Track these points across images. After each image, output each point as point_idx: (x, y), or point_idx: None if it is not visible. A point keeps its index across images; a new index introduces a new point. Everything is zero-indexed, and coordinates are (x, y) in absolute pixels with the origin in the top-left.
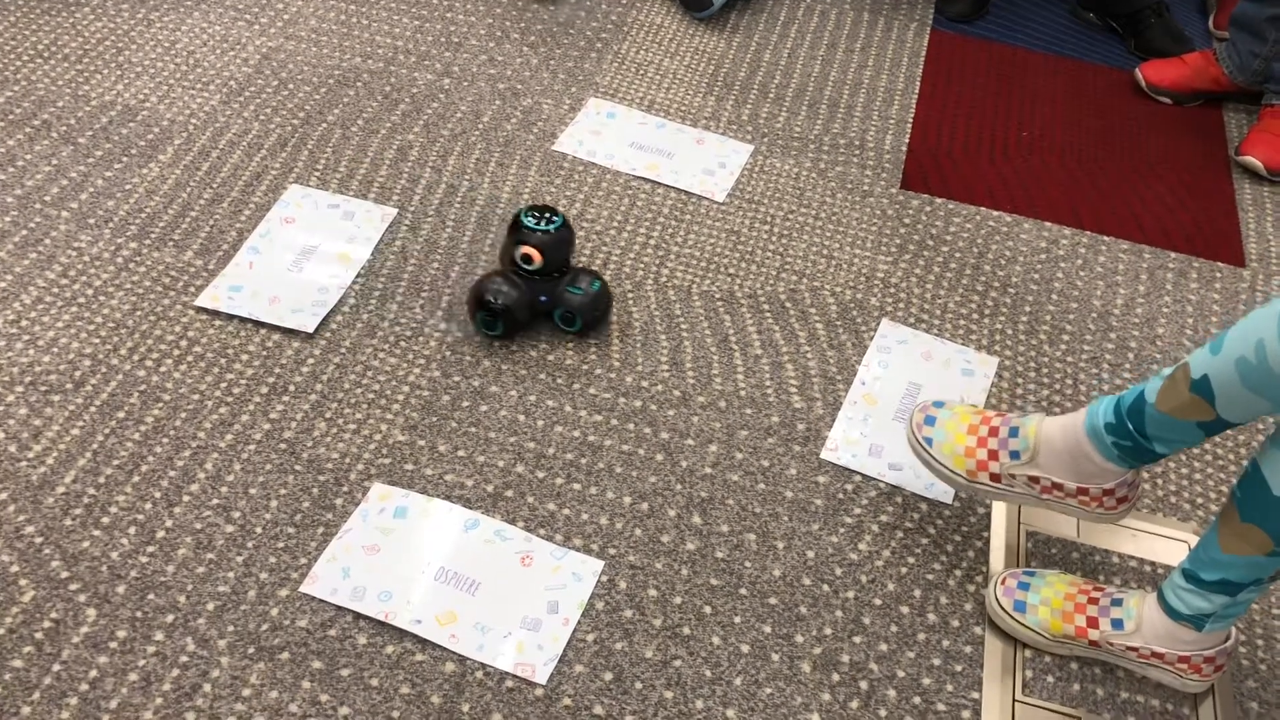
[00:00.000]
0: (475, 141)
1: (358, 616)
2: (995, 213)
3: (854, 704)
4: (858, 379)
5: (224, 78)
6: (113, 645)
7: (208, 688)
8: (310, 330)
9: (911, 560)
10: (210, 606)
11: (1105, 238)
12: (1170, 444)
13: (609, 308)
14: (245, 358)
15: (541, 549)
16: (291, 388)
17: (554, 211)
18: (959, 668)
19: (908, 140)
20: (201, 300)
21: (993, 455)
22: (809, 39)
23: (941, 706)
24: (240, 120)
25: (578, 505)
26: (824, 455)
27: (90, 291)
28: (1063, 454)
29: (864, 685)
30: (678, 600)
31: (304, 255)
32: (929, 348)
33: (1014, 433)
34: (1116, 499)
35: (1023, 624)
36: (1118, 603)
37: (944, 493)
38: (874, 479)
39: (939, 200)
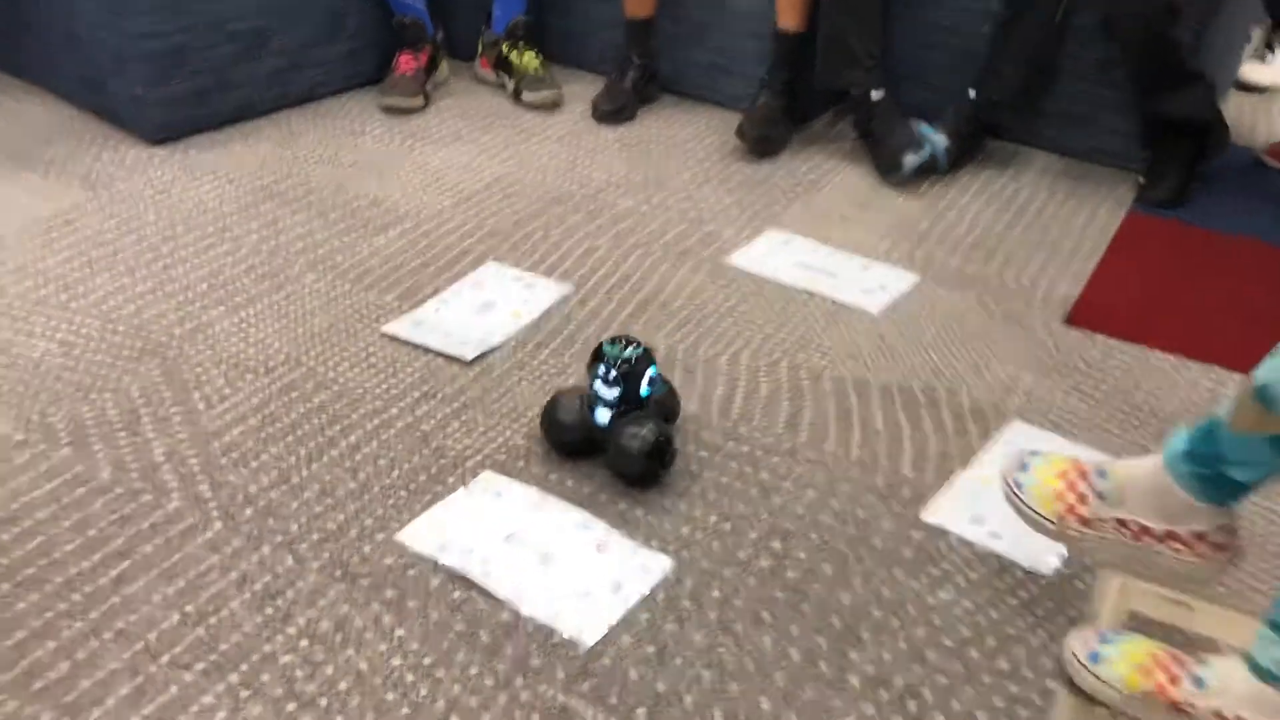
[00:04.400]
0: (655, 250)
1: (437, 565)
2: (1159, 353)
3: (897, 719)
4: (976, 460)
5: (458, 188)
6: (226, 550)
7: (290, 593)
8: (468, 358)
9: (994, 614)
10: (315, 536)
11: None
12: (1249, 469)
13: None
14: (409, 370)
15: (619, 541)
16: (439, 396)
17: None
18: (1023, 713)
19: (1080, 291)
20: (387, 328)
21: (1081, 499)
22: (998, 205)
23: None
24: (463, 216)
25: (663, 515)
26: (923, 516)
27: (301, 312)
28: (1148, 491)
29: (912, 706)
30: (738, 603)
31: (483, 309)
32: (1059, 447)
33: (1102, 474)
34: (1211, 545)
35: (1096, 675)
36: (1204, 662)
37: (1043, 563)
38: (970, 542)
39: (1100, 337)
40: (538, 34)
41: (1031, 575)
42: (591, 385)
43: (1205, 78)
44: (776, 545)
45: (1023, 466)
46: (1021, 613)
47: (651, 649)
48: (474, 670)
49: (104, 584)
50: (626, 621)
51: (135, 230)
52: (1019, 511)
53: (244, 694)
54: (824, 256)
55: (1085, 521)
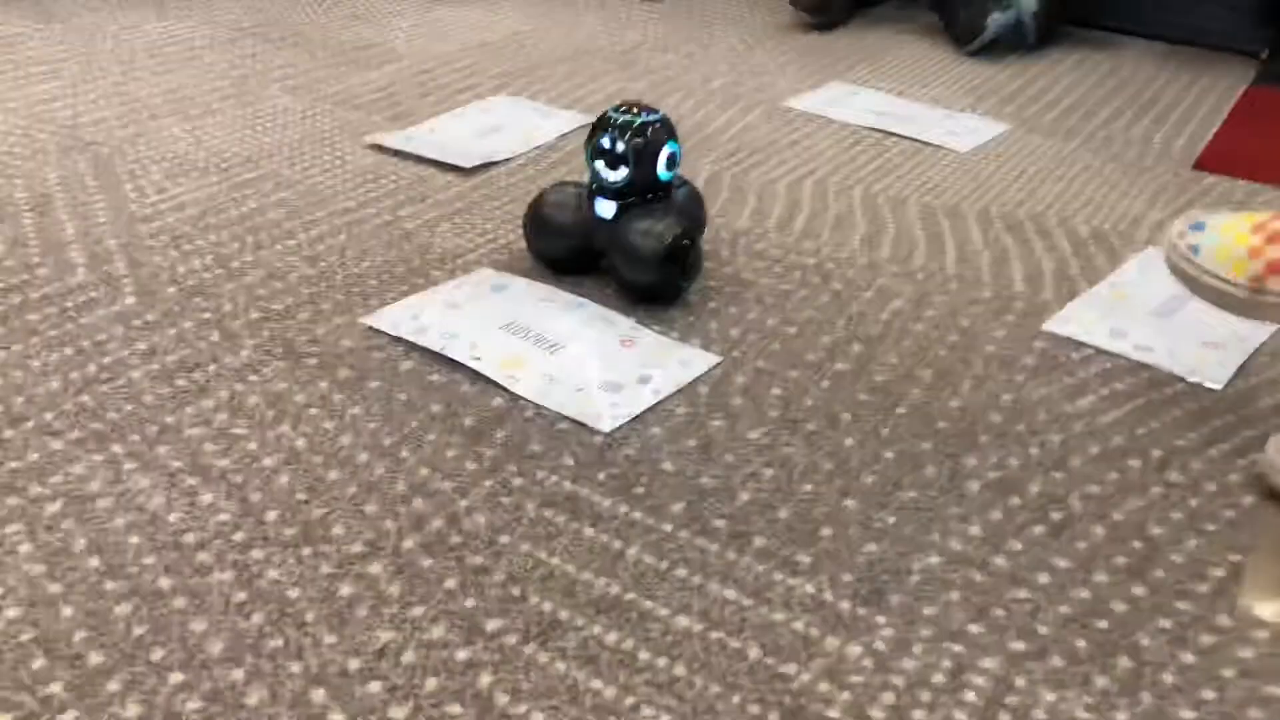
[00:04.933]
0: (697, 94)
1: (412, 347)
2: None
3: (1038, 529)
4: (1107, 280)
5: (468, 40)
6: (135, 323)
7: (212, 368)
8: (467, 166)
9: (1154, 424)
10: (254, 315)
11: None
12: None
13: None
14: (394, 176)
15: (649, 336)
16: (428, 200)
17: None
18: (1211, 527)
19: (1204, 145)
20: (372, 138)
21: None
22: (1095, 78)
23: (1177, 558)
24: (470, 61)
25: (707, 318)
26: (1046, 326)
27: (270, 125)
28: None
29: (1056, 515)
30: (808, 402)
31: (489, 131)
32: None
33: None
34: None
35: None
36: None
37: (1213, 376)
38: (1113, 354)
39: (1241, 181)
40: None
41: (1197, 389)
42: (591, 167)
43: None
44: (857, 350)
45: (1198, 226)
46: (1190, 426)
47: (692, 442)
48: (450, 453)
49: None
50: (659, 413)
51: (87, 56)
52: (1194, 283)
53: (129, 465)
54: (899, 105)
55: None
